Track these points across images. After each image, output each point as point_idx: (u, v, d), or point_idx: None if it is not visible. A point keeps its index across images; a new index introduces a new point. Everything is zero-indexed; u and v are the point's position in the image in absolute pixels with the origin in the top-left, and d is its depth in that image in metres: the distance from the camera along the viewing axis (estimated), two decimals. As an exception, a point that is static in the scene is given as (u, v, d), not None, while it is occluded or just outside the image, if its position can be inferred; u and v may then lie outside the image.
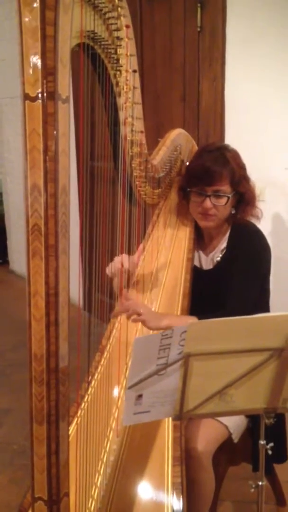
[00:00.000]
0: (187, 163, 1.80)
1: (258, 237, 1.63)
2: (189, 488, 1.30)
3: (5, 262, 5.22)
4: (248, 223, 1.66)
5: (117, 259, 1.57)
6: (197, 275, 1.69)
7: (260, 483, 1.17)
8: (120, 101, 1.24)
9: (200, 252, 1.77)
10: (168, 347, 0.91)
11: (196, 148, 2.03)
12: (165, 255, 1.76)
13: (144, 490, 1.11)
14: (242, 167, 1.64)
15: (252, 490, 1.17)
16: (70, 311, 0.80)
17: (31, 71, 0.69)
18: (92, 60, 1.10)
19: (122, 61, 1.17)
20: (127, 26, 1.14)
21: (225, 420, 1.51)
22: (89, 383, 1.36)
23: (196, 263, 1.75)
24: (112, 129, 1.28)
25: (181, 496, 1.07)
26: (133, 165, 1.40)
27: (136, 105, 1.31)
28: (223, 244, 1.68)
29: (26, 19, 0.68)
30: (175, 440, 1.21)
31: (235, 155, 1.63)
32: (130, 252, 1.64)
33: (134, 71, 1.23)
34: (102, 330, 1.54)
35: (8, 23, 4.13)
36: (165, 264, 1.73)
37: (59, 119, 0.72)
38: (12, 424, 2.59)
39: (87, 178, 1.23)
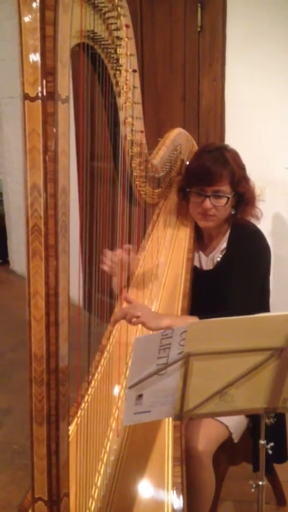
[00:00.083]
0: (187, 163, 1.80)
1: (258, 237, 1.63)
2: (189, 488, 1.30)
3: (6, 262, 5.21)
4: (248, 223, 1.66)
5: (113, 254, 1.55)
6: (197, 276, 1.69)
7: (260, 483, 1.17)
8: (120, 101, 1.24)
9: (200, 252, 1.76)
10: (168, 347, 0.91)
11: (196, 147, 2.02)
12: (165, 255, 1.76)
13: (144, 490, 1.10)
14: (241, 167, 1.64)
15: (253, 490, 1.17)
16: (70, 310, 0.80)
17: (30, 71, 0.69)
18: (92, 60, 1.10)
19: (122, 60, 1.17)
20: (127, 26, 1.13)
21: (225, 420, 1.51)
22: (89, 383, 1.36)
23: (196, 263, 1.75)
24: (112, 129, 1.28)
25: (181, 496, 1.07)
26: (133, 165, 1.40)
27: (136, 105, 1.30)
28: (223, 244, 1.68)
29: (26, 19, 0.68)
30: (175, 440, 1.21)
31: (235, 155, 1.63)
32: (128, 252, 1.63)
33: (134, 70, 1.23)
34: (102, 330, 1.54)
35: (8, 23, 4.12)
36: (165, 264, 1.73)
37: (58, 119, 0.72)
38: (12, 424, 2.59)
39: (87, 178, 1.23)
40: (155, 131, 2.12)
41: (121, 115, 1.26)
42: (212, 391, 0.98)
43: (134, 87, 1.26)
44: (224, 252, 1.67)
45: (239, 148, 1.68)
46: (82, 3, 0.84)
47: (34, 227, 0.74)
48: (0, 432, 2.54)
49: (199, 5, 2.69)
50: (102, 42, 1.08)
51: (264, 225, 1.73)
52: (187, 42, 2.81)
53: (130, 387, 0.92)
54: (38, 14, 0.68)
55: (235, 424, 1.55)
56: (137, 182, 1.47)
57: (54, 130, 0.71)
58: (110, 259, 1.56)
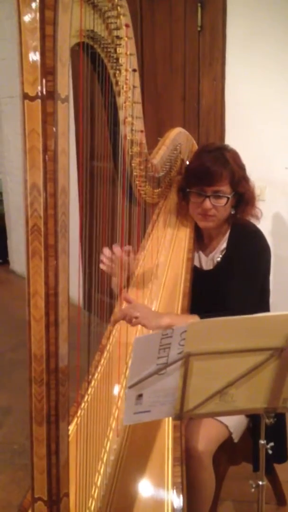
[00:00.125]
0: (187, 162, 1.80)
1: (257, 237, 1.63)
2: (189, 488, 1.30)
3: (5, 261, 5.21)
4: (248, 223, 1.66)
5: (113, 254, 1.55)
6: (197, 276, 1.68)
7: (260, 483, 1.17)
8: (120, 100, 1.24)
9: (200, 252, 1.76)
10: (168, 346, 0.91)
11: (196, 147, 2.02)
12: (165, 255, 1.76)
13: (144, 490, 1.10)
14: (241, 167, 1.63)
15: (253, 489, 1.17)
16: (70, 310, 0.80)
17: (30, 70, 0.69)
18: (92, 59, 1.10)
19: (122, 60, 1.17)
20: (126, 25, 1.13)
21: (225, 419, 1.51)
22: (89, 382, 1.36)
23: (196, 263, 1.75)
24: (111, 129, 1.28)
25: (181, 496, 1.07)
26: (133, 164, 1.40)
27: (136, 104, 1.30)
28: (223, 244, 1.68)
29: (26, 18, 0.68)
30: (175, 440, 1.21)
31: (235, 155, 1.63)
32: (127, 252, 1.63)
33: (134, 70, 1.23)
34: (102, 330, 1.54)
35: (8, 23, 4.13)
36: (165, 263, 1.73)
37: (58, 118, 0.72)
38: (12, 423, 2.59)
39: (87, 177, 1.23)
40: (155, 131, 2.12)
41: (121, 114, 1.26)
42: (212, 391, 0.98)
43: (134, 86, 1.26)
44: (224, 252, 1.67)
45: (239, 148, 1.68)
46: (82, 3, 0.83)
47: (33, 226, 0.74)
48: (0, 432, 2.54)
49: (199, 4, 2.69)
50: (102, 42, 1.08)
51: (264, 225, 1.73)
52: (187, 41, 2.81)
53: (130, 387, 0.92)
54: (38, 14, 0.68)
55: (235, 424, 1.55)
56: (137, 182, 1.47)
57: (54, 129, 0.71)
58: (110, 259, 1.55)
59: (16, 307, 3.84)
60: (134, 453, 1.19)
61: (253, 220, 1.68)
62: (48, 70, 0.69)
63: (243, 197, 1.63)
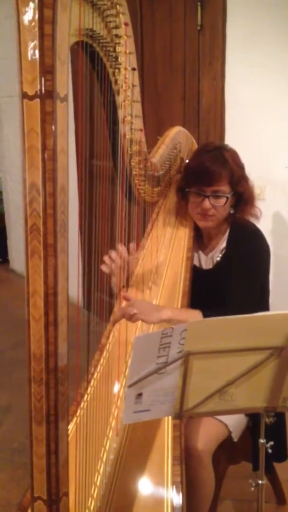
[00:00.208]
0: (187, 161, 1.80)
1: (257, 236, 1.63)
2: (189, 487, 1.30)
3: (5, 260, 5.21)
4: (247, 223, 1.66)
5: (113, 255, 1.55)
6: (197, 275, 1.68)
7: (260, 482, 1.17)
8: (119, 99, 1.24)
9: (200, 252, 1.76)
10: (168, 345, 0.91)
11: (195, 146, 2.02)
12: (165, 254, 1.76)
13: (144, 489, 1.10)
14: (240, 166, 1.63)
15: (252, 488, 1.17)
16: (69, 309, 0.80)
17: (29, 69, 0.69)
18: (91, 58, 1.10)
19: (121, 59, 1.17)
20: (126, 24, 1.13)
21: (225, 418, 1.51)
22: (88, 382, 1.36)
23: (196, 263, 1.75)
24: (111, 127, 1.27)
25: (180, 495, 1.07)
26: (132, 163, 1.40)
27: (135, 103, 1.30)
28: (223, 244, 1.68)
29: (24, 17, 0.68)
30: (174, 439, 1.21)
31: (234, 155, 1.62)
32: (129, 251, 1.63)
33: (133, 69, 1.23)
34: (102, 329, 1.54)
35: (8, 22, 4.12)
36: (164, 262, 1.73)
37: (57, 117, 0.71)
38: (12, 422, 2.59)
39: (86, 176, 1.23)
40: (155, 131, 2.12)
41: (120, 113, 1.26)
42: (212, 390, 0.98)
43: (133, 85, 1.26)
44: (223, 252, 1.67)
45: (239, 147, 1.67)
46: (81, 1, 0.83)
47: (33, 226, 0.74)
48: (-1, 431, 2.55)
49: (199, 4, 2.68)
50: (101, 40, 1.07)
51: (264, 224, 1.73)
52: (187, 41, 2.81)
53: (130, 386, 0.92)
54: (37, 13, 0.67)
55: (235, 423, 1.55)
56: (137, 181, 1.47)
57: (53, 128, 0.71)
58: (112, 260, 1.54)
59: (16, 306, 3.84)
60: (134, 452, 1.19)
61: (252, 220, 1.68)
62: (47, 69, 0.69)
63: (243, 196, 1.63)
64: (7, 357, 3.25)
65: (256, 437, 1.16)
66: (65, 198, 0.76)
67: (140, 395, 0.94)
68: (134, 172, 1.42)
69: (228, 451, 1.66)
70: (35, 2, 0.67)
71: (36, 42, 0.68)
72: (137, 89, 1.29)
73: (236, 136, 2.66)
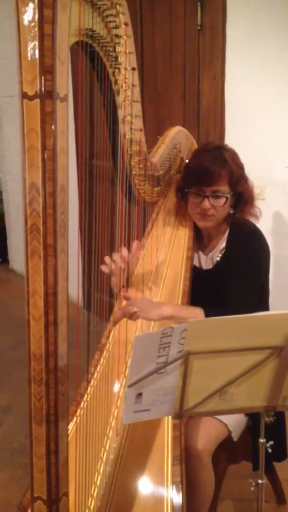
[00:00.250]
0: (186, 161, 1.80)
1: (256, 236, 1.63)
2: (189, 487, 1.30)
3: (5, 260, 5.21)
4: (247, 223, 1.66)
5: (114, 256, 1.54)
6: (197, 275, 1.68)
7: (260, 481, 1.17)
8: (119, 99, 1.23)
9: (200, 252, 1.76)
10: (168, 345, 0.91)
11: (195, 145, 2.02)
12: (165, 254, 1.76)
13: (144, 489, 1.10)
14: (240, 166, 1.63)
15: (252, 488, 1.17)
16: (69, 309, 0.80)
17: (29, 69, 0.69)
18: (91, 58, 1.09)
19: (121, 59, 1.17)
20: (125, 24, 1.13)
21: (224, 418, 1.51)
22: (88, 382, 1.36)
23: (196, 263, 1.75)
24: (111, 127, 1.27)
25: (180, 495, 1.07)
26: (132, 163, 1.39)
27: (135, 103, 1.30)
28: (222, 244, 1.68)
29: (24, 17, 0.68)
30: (174, 439, 1.21)
31: (233, 155, 1.62)
32: (129, 250, 1.63)
33: (133, 68, 1.23)
34: (102, 329, 1.54)
35: (8, 22, 4.12)
36: (164, 262, 1.73)
37: (57, 117, 0.71)
38: (12, 422, 2.59)
39: (86, 176, 1.23)
40: (155, 130, 2.12)
41: (120, 113, 1.26)
42: (212, 390, 0.98)
43: (133, 85, 1.26)
44: (223, 252, 1.67)
45: (239, 147, 1.67)
46: (81, 1, 0.83)
47: (32, 226, 0.74)
48: (-1, 431, 2.55)
49: (199, 3, 2.68)
50: (101, 40, 1.07)
51: (264, 224, 1.73)
52: (187, 40, 2.81)
53: (130, 386, 0.92)
54: (37, 13, 0.67)
55: (235, 422, 1.55)
56: (136, 181, 1.47)
57: (53, 128, 0.71)
58: (113, 261, 1.54)
59: (16, 306, 3.84)
60: (134, 452, 1.20)
61: (252, 219, 1.68)
62: (47, 69, 0.69)
63: (242, 196, 1.63)
64: (7, 357, 3.25)
65: (256, 437, 1.16)
66: (65, 198, 0.76)
67: (140, 395, 0.95)
68: (134, 172, 1.42)
69: (228, 451, 1.66)
70: (35, 2, 0.67)
71: (36, 42, 0.68)
72: (137, 89, 1.29)
73: (236, 136, 2.66)
